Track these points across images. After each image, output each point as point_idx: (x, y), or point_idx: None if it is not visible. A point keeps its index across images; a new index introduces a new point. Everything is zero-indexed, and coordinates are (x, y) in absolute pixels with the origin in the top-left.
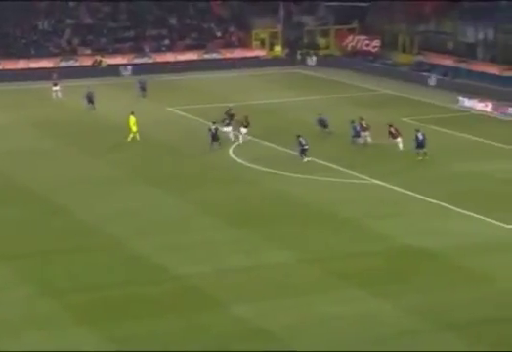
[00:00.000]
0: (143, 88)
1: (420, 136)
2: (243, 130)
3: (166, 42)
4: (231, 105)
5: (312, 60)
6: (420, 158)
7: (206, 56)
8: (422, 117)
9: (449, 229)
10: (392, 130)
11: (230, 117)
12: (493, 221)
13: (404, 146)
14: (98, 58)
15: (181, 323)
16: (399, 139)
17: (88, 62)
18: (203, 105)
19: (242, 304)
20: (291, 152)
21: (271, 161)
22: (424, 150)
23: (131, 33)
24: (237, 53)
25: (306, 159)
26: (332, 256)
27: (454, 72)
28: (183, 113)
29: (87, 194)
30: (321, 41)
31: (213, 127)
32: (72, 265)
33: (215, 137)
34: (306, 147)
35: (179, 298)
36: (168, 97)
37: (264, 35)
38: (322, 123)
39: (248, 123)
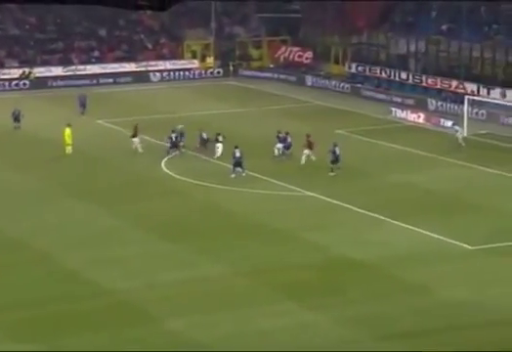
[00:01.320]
0: (83, 104)
1: (337, 150)
2: (218, 145)
3: (96, 54)
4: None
5: (244, 71)
6: (333, 174)
7: (137, 68)
8: (355, 129)
9: (382, 239)
10: (310, 140)
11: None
12: (422, 231)
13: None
14: (26, 70)
15: (113, 338)
16: (306, 151)
17: (15, 74)
18: (135, 117)
19: (177, 318)
20: (225, 164)
21: (204, 174)
22: (339, 165)
23: (59, 45)
24: (169, 65)
25: (234, 175)
26: (267, 268)
27: (387, 84)
28: (113, 126)
29: (15, 209)
30: (254, 52)
31: (173, 135)
32: (0, 282)
33: (175, 145)
34: (240, 159)
35: (111, 313)
36: (98, 109)
37: (196, 47)
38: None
39: (224, 137)
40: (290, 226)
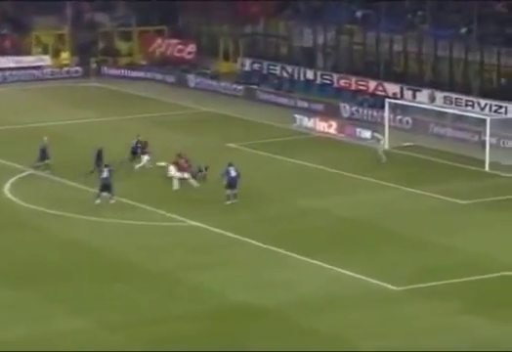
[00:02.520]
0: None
1: (233, 173)
2: (145, 157)
3: None
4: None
5: (109, 70)
6: (229, 203)
7: None
8: (251, 142)
9: (287, 280)
10: (182, 162)
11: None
12: (337, 268)
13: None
14: None
15: None
16: (177, 173)
17: None
18: None
19: None
20: (88, 188)
21: (59, 201)
22: (235, 191)
23: None
24: (12, 62)
25: (99, 201)
26: (141, 320)
27: (290, 85)
28: None
29: None
30: (122, 46)
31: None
32: None
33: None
34: (107, 181)
35: None
36: None
37: (47, 39)
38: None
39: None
40: (171, 266)
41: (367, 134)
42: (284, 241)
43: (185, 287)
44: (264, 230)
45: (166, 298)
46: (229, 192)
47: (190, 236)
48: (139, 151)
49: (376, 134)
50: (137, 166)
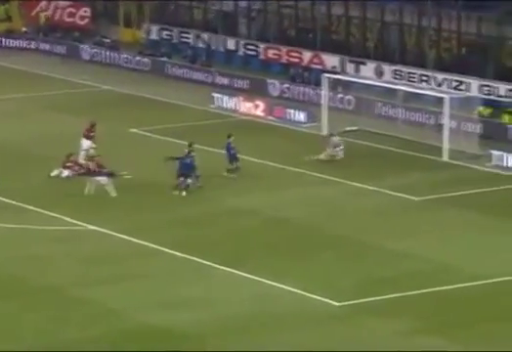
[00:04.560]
0: None
1: (187, 159)
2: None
3: None
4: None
5: None
6: (177, 193)
7: None
8: (160, 126)
9: (204, 296)
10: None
11: None
12: (269, 281)
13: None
14: None
15: None
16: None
17: None
18: None
19: None
20: None
21: None
22: (188, 181)
23: None
24: None
25: None
26: (23, 349)
27: (207, 57)
28: None
29: None
30: None
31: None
32: None
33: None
34: None
35: None
36: None
37: None
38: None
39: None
40: (63, 280)
41: (301, 116)
42: (203, 248)
43: (79, 307)
44: (178, 235)
45: (55, 320)
46: (182, 181)
47: (87, 243)
48: None
49: (335, 138)
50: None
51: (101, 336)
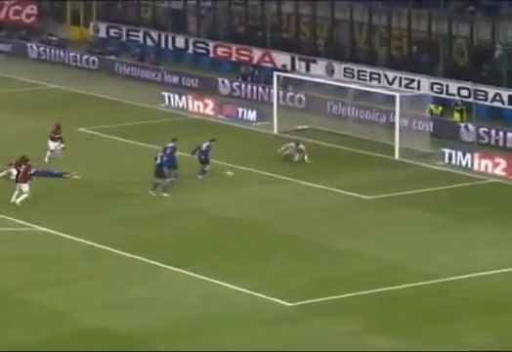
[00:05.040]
0: None
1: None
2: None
3: None
4: None
5: None
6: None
7: None
8: (108, 126)
9: (151, 296)
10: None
11: None
12: (217, 281)
13: None
14: None
15: None
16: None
17: None
18: None
19: None
20: None
21: None
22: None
23: None
24: None
25: None
26: None
27: (156, 55)
28: None
29: None
30: None
31: None
32: None
33: None
34: None
35: None
36: None
37: None
38: None
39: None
40: (7, 283)
41: (253, 115)
42: (151, 248)
43: (26, 310)
44: (126, 235)
45: (2, 323)
46: (157, 181)
47: (33, 244)
48: None
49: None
50: None
51: (47, 339)
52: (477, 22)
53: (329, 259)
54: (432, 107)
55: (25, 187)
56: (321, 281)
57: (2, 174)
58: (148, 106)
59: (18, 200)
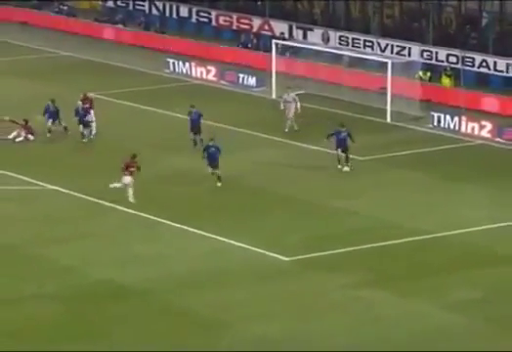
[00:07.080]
0: None
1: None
2: None
3: None
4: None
5: None
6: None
7: None
8: (116, 91)
9: (158, 252)
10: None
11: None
12: (218, 237)
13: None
14: None
15: None
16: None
17: None
18: None
19: None
20: None
21: None
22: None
23: None
24: None
25: None
26: None
27: (161, 23)
28: None
29: None
30: None
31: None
32: None
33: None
34: None
35: None
36: None
37: None
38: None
39: None
40: (22, 239)
41: (252, 81)
42: (156, 206)
43: (38, 265)
44: (134, 193)
45: (15, 278)
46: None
47: (45, 202)
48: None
49: (292, 94)
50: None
51: (57, 292)
52: None
53: (325, 217)
54: (420, 73)
55: (127, 179)
56: (317, 237)
57: (20, 139)
58: (152, 72)
59: (130, 199)
